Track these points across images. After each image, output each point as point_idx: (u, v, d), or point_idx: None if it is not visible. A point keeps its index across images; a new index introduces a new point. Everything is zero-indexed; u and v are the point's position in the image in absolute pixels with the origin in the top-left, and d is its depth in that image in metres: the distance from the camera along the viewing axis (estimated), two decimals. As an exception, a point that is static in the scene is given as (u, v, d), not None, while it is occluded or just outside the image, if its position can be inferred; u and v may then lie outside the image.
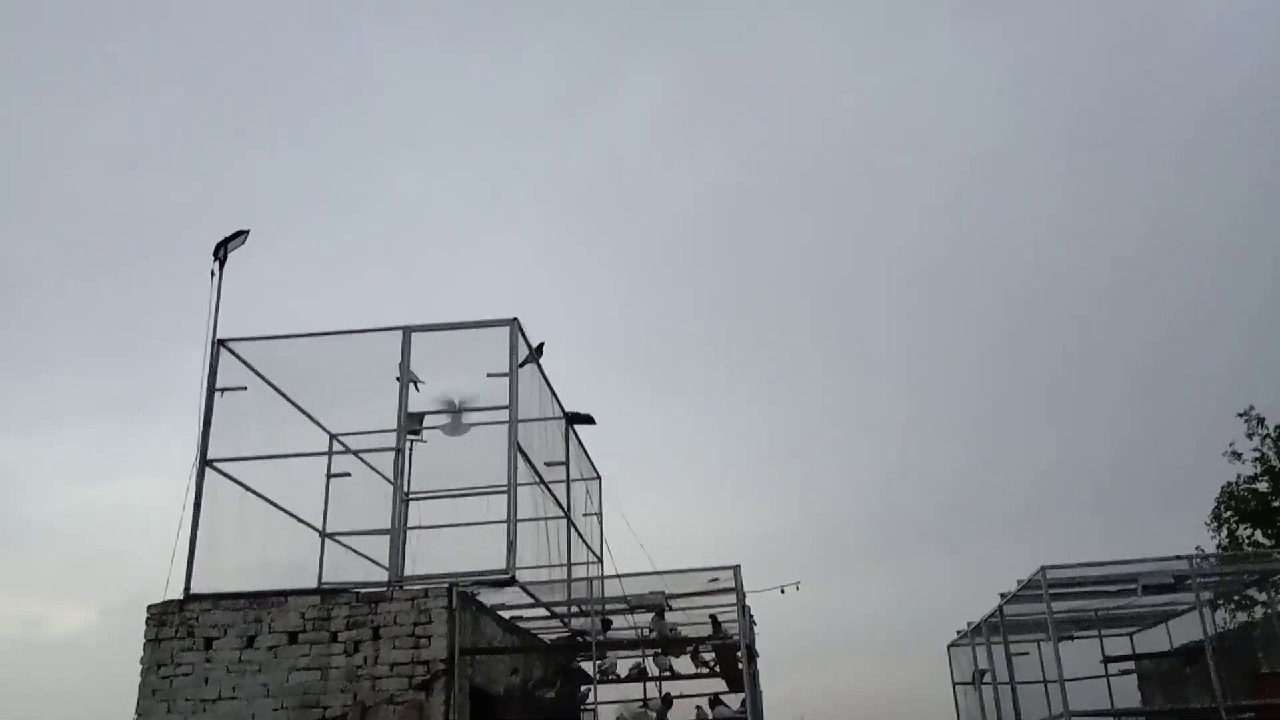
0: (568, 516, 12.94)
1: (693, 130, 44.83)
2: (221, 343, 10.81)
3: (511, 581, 9.68)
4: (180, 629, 10.04)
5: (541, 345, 11.51)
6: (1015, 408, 38.67)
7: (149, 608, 10.23)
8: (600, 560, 14.34)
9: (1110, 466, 35.13)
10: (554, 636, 12.46)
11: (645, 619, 11.22)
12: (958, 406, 39.02)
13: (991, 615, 14.13)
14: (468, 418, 10.84)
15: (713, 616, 11.09)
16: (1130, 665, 15.35)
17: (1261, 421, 21.72)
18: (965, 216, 41.40)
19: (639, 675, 11.39)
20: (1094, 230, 39.85)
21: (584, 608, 11.26)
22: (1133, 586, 11.73)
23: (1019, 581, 12.37)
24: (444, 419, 11.03)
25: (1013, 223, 41.34)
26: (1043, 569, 11.40)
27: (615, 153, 44.07)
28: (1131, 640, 15.59)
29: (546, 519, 11.66)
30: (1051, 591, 11.72)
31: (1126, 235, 38.86)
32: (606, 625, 11.04)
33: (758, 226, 43.85)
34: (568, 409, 13.44)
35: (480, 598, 10.37)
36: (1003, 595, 13.41)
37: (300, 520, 11.14)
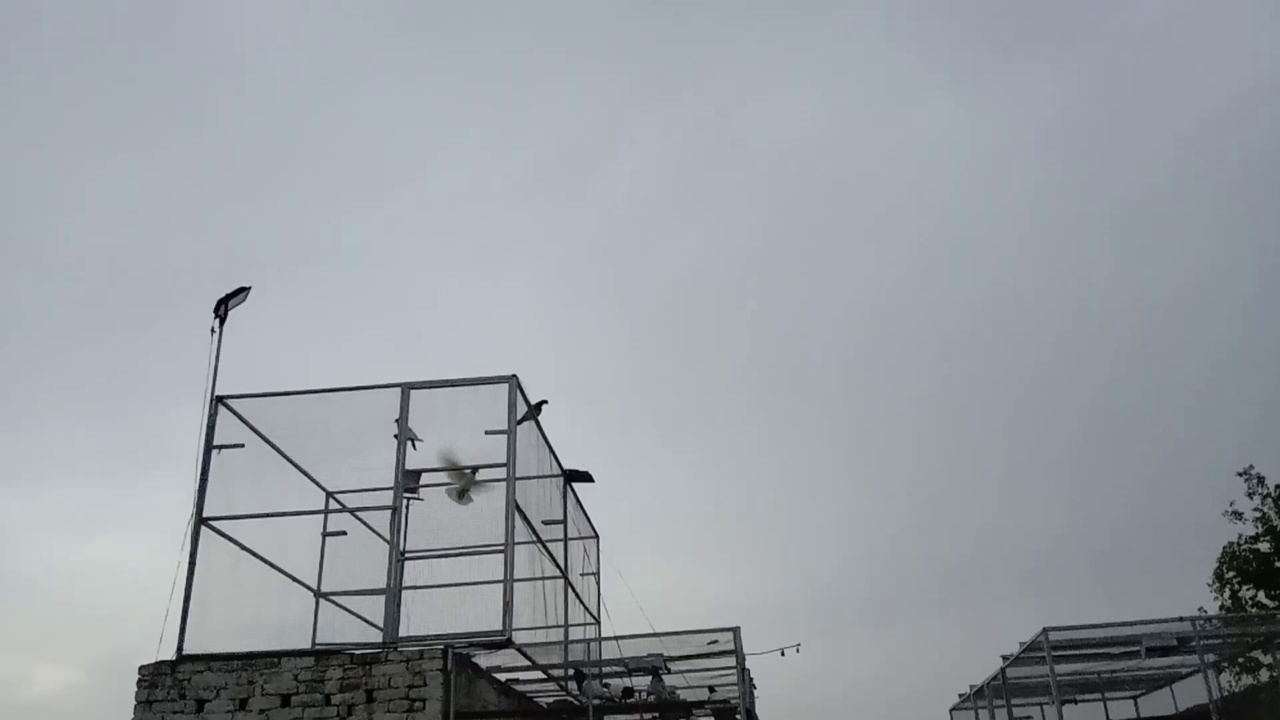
0: (565, 576, 12.88)
1: (689, 194, 45.45)
2: (220, 400, 10.81)
3: (508, 643, 9.59)
4: (172, 690, 9.90)
5: (543, 402, 11.50)
6: (1020, 470, 38.50)
7: (140, 668, 10.11)
8: (597, 621, 14.23)
9: (1114, 529, 34.94)
10: (550, 700, 12.30)
11: (643, 681, 11.10)
12: (963, 469, 38.87)
13: (994, 678, 14.02)
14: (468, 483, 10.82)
15: (710, 689, 10.91)
16: (1135, 730, 15.19)
17: (1261, 481, 21.72)
18: (977, 281, 41.56)
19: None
20: (1112, 297, 39.97)
21: (581, 670, 11.14)
22: (1136, 649, 11.60)
23: (1021, 644, 12.29)
24: (442, 477, 10.98)
25: (1029, 288, 41.40)
26: (1045, 630, 11.32)
27: (613, 215, 44.63)
28: (1136, 704, 15.43)
29: (543, 579, 11.62)
30: (1054, 654, 11.65)
31: (1140, 300, 38.97)
32: (604, 689, 10.94)
33: (763, 285, 44.03)
34: (566, 466, 13.41)
35: (476, 659, 10.26)
36: (1005, 658, 13.32)
37: (294, 580, 11.05)
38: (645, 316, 43.62)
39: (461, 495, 10.82)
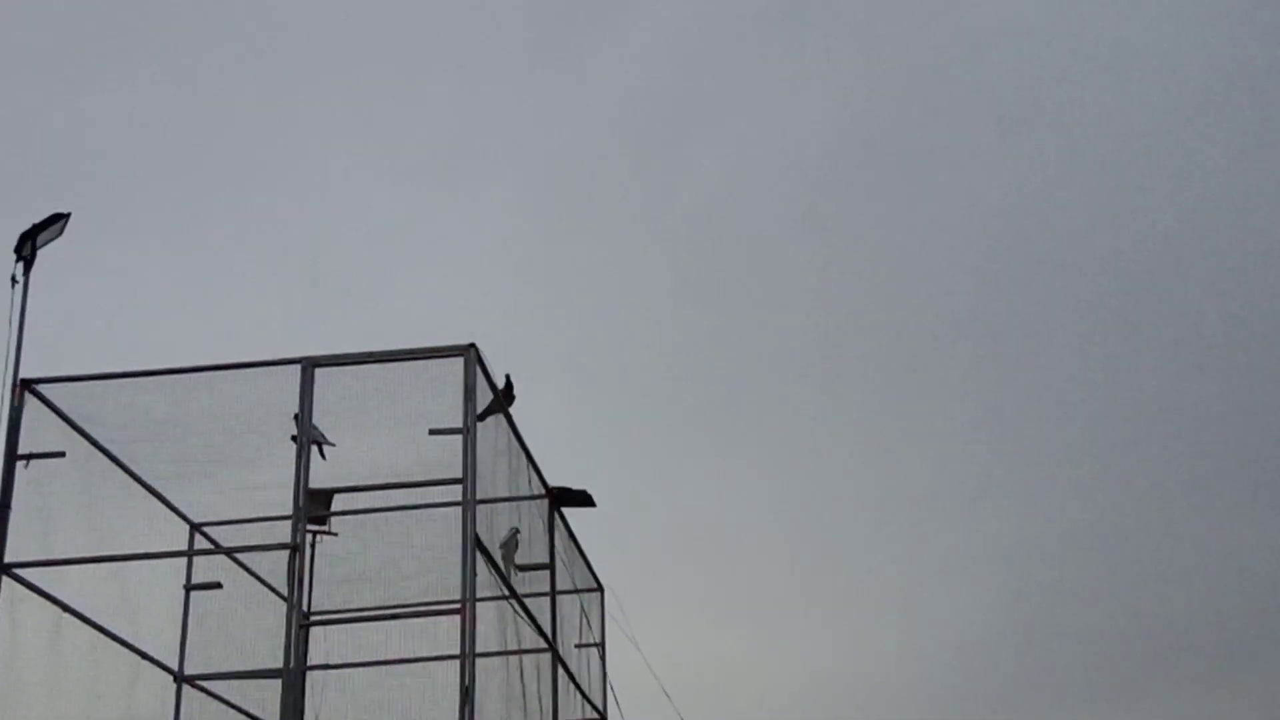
0: (553, 648, 12.34)
1: (738, 69, 40.81)
2: (26, 385, 10.24)
3: None
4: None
5: (510, 383, 10.96)
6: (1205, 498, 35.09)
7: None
8: (603, 717, 13.96)
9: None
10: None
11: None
12: (1179, 474, 34.53)
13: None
14: (400, 498, 10.24)
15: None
16: None
17: None
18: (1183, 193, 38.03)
19: None
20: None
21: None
22: None
23: None
24: (368, 501, 10.56)
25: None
26: None
27: (626, 101, 40.20)
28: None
29: (520, 652, 11.15)
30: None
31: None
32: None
33: (848, 207, 38.93)
34: (553, 484, 12.87)
35: (419, 777, 9.94)
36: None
37: (145, 656, 10.61)
38: (673, 256, 39.46)
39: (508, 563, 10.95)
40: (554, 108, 40.30)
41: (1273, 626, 30.41)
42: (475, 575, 9.46)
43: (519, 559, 11.60)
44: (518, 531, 11.05)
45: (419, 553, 10.23)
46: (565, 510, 13.39)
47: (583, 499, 13.27)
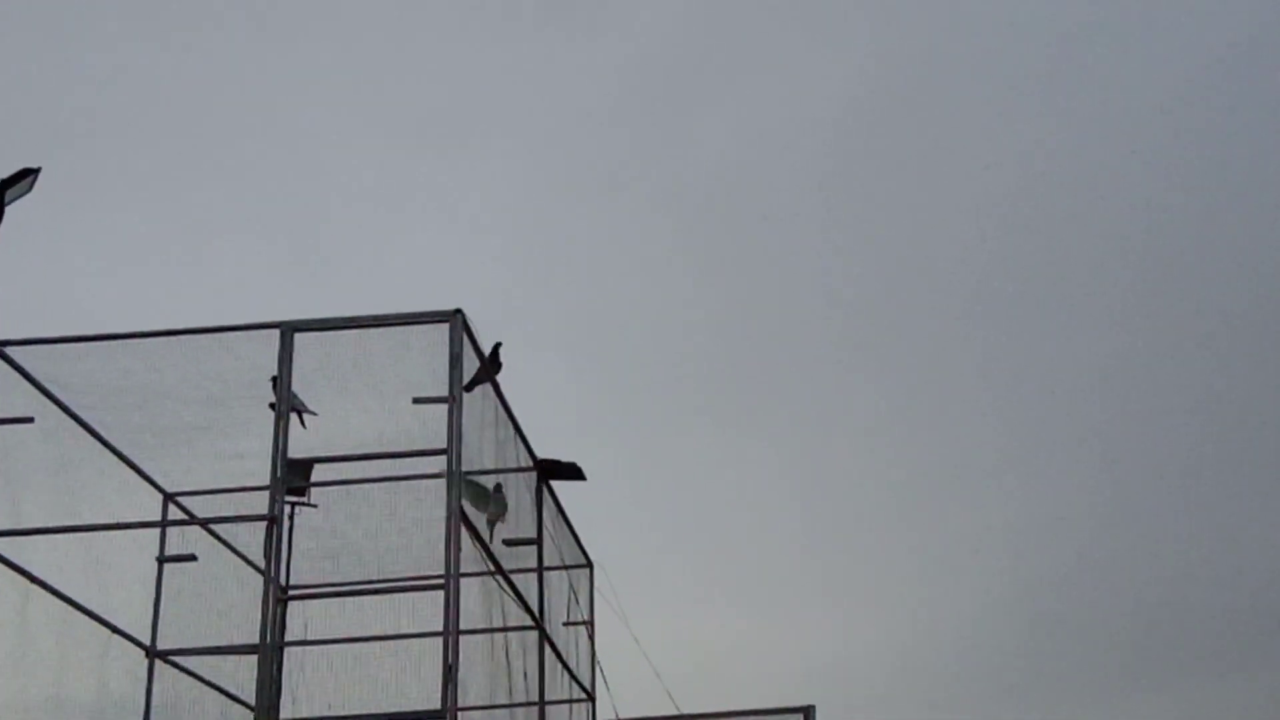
0: (540, 626, 12.33)
1: (759, 22, 40.18)
2: None
3: None
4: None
5: (497, 350, 10.89)
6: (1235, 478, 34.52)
7: None
8: (591, 696, 13.88)
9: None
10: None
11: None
12: (1167, 470, 33.89)
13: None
14: (382, 468, 10.10)
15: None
16: None
17: None
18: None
19: None
20: None
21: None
22: None
23: None
24: (349, 472, 10.45)
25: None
26: None
27: (637, 60, 39.17)
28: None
29: (505, 630, 11.19)
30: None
31: None
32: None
33: (869, 169, 38.14)
34: (541, 456, 12.78)
35: (401, 756, 10.07)
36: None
37: (117, 631, 10.45)
38: (679, 224, 38.69)
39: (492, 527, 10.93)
40: (557, 69, 39.56)
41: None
42: (459, 550, 9.39)
43: (507, 532, 11.59)
44: (500, 487, 10.96)
45: (402, 525, 10.13)
46: (555, 484, 13.29)
47: (572, 472, 13.18)
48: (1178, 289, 35.65)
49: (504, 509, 10.96)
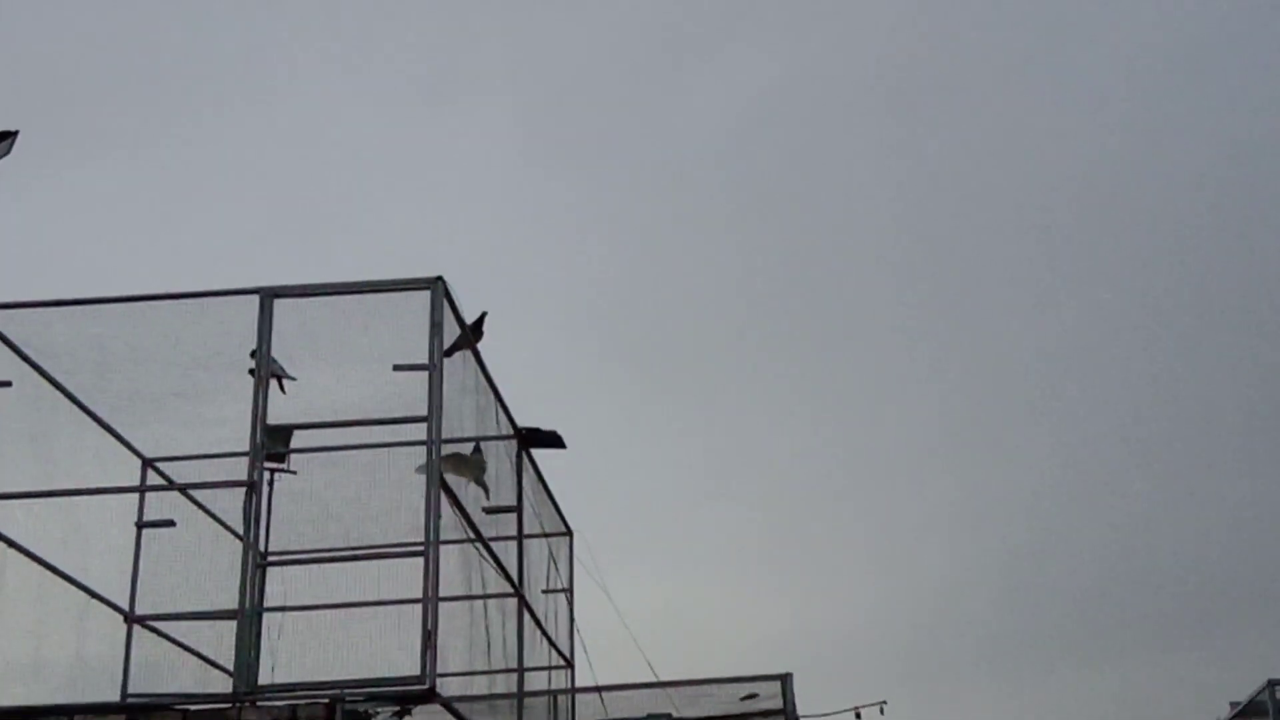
0: (519, 593, 12.30)
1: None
2: None
3: (430, 695, 9.12)
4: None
5: (482, 319, 10.83)
6: (1207, 443, 34.30)
7: None
8: (570, 663, 13.91)
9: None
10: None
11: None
12: (1129, 442, 33.79)
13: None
14: (362, 435, 10.09)
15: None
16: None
17: None
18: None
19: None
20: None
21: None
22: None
23: (1233, 704, 11.56)
24: (330, 439, 10.42)
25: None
26: (1270, 684, 10.45)
27: (625, 29, 39.44)
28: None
29: (485, 597, 11.14)
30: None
31: None
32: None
33: (843, 145, 38.93)
34: (522, 424, 12.76)
35: (381, 721, 9.96)
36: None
37: (95, 595, 10.48)
38: (664, 192, 38.88)
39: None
40: (543, 34, 39.34)
41: (1251, 584, 30.65)
42: (439, 516, 9.40)
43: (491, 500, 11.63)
44: (479, 448, 10.99)
45: (382, 492, 10.11)
46: (535, 452, 13.32)
47: (552, 440, 13.19)
48: (1131, 262, 35.83)
49: (483, 469, 10.97)
